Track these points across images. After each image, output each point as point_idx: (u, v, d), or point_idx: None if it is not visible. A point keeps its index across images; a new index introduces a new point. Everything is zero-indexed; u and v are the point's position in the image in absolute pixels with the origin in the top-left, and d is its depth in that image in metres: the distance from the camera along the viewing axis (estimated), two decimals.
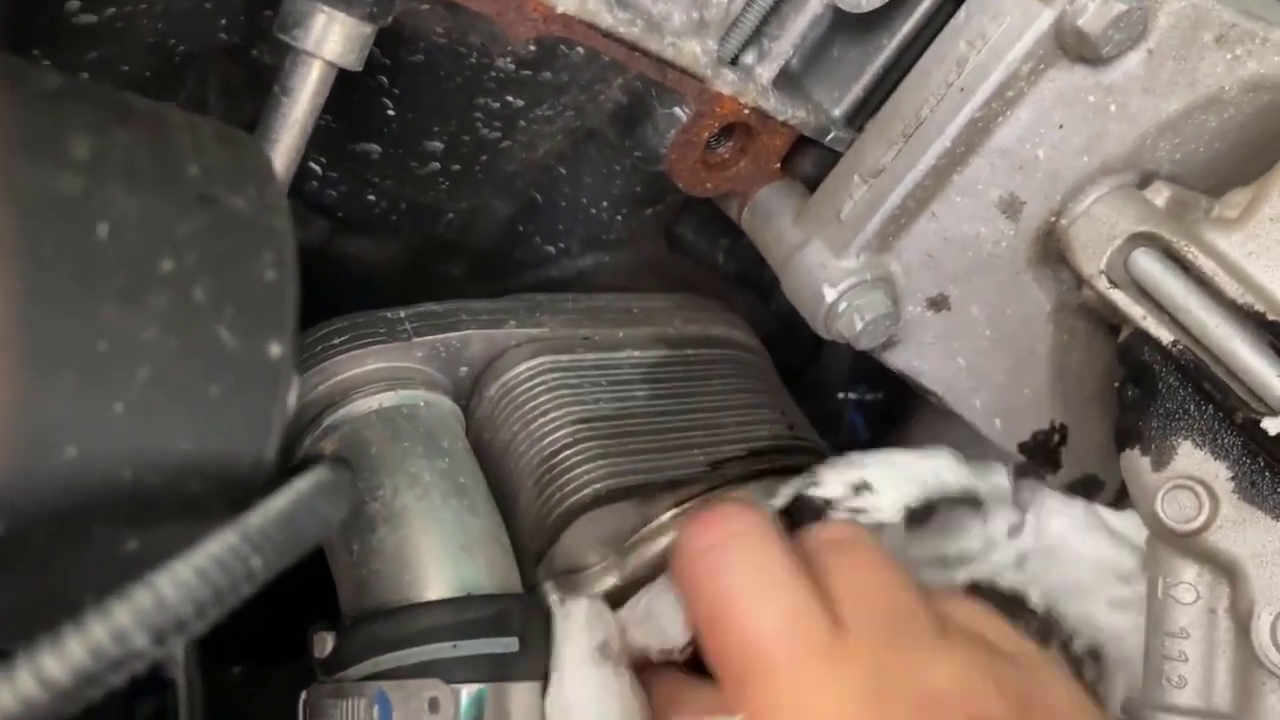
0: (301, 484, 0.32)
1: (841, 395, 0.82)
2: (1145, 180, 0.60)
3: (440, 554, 0.54)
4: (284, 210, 0.34)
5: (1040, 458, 0.68)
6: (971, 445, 0.85)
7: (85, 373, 0.28)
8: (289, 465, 0.53)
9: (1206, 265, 0.56)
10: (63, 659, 0.25)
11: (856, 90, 0.64)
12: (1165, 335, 0.57)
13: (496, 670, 0.51)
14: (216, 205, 0.32)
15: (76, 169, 0.29)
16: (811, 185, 0.64)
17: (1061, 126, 0.58)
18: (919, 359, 0.65)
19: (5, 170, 0.27)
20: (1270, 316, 0.54)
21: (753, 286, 0.80)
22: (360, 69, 0.53)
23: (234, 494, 0.31)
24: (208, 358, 0.31)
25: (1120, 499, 0.76)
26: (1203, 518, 0.56)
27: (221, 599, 0.28)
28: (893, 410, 0.90)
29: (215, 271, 0.31)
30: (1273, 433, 0.53)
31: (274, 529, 0.30)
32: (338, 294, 0.67)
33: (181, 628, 0.27)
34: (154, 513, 0.30)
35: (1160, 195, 0.60)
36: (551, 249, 0.72)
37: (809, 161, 0.66)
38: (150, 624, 0.27)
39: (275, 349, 0.32)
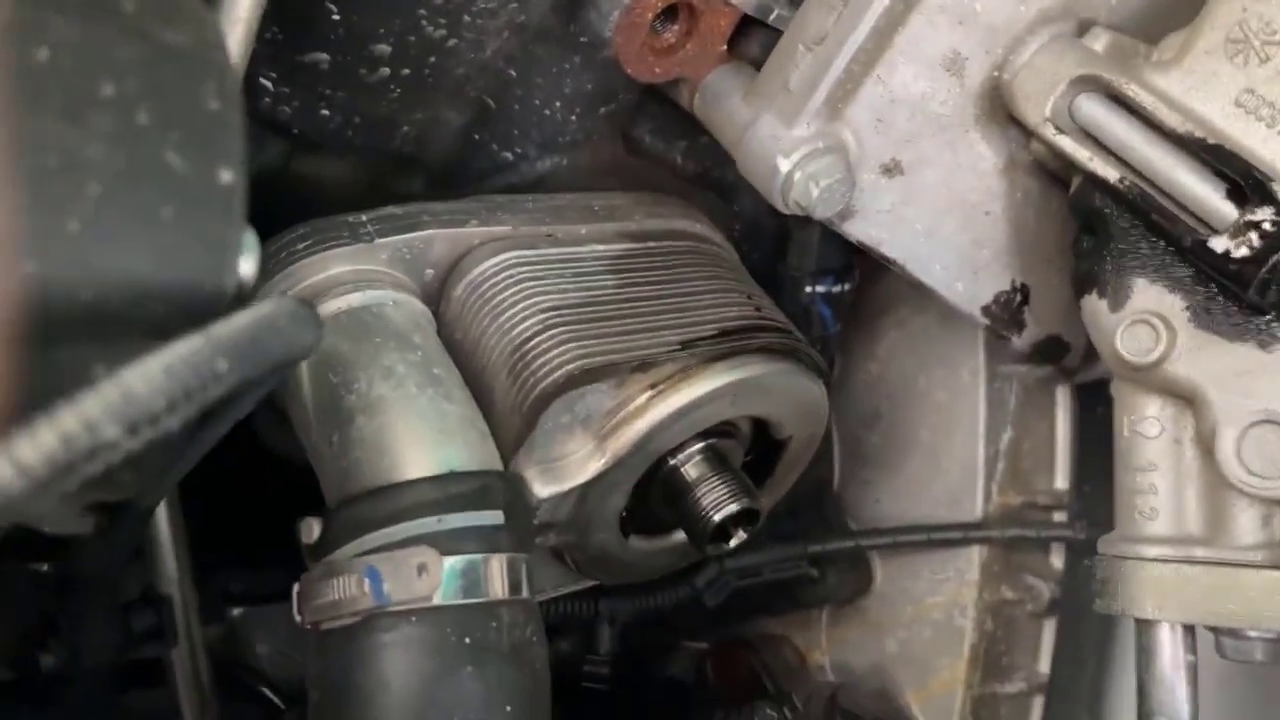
0: (267, 304, 0.33)
1: (809, 289, 0.83)
2: (1083, 28, 0.61)
3: (420, 437, 0.54)
4: (222, 45, 0.34)
5: (1004, 319, 0.70)
6: (940, 326, 0.87)
7: (35, 187, 0.29)
8: None
9: (1148, 101, 0.57)
10: (36, 446, 0.26)
11: None
12: (1112, 174, 0.59)
13: (483, 542, 0.52)
14: (154, 39, 0.32)
15: None
16: (759, 66, 0.65)
17: None
18: (877, 228, 0.66)
19: None
20: (1211, 141, 0.56)
21: (714, 187, 0.80)
22: None
23: (197, 319, 0.31)
24: (157, 180, 0.31)
25: (1087, 362, 0.78)
26: (1160, 349, 0.58)
27: (190, 396, 0.29)
28: (861, 305, 0.91)
29: (157, 98, 0.32)
30: (1219, 250, 0.54)
31: (240, 337, 0.30)
32: (298, 215, 0.67)
33: (152, 421, 0.28)
34: (117, 335, 0.31)
35: (1099, 41, 0.61)
36: (509, 155, 0.73)
37: (755, 42, 0.67)
38: (120, 414, 0.27)
39: (225, 175, 0.33)
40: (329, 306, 0.59)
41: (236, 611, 0.85)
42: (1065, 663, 0.90)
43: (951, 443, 0.88)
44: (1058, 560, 0.89)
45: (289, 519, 0.63)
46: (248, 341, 0.31)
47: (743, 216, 0.84)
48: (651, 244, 0.70)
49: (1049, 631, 0.90)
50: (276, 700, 0.80)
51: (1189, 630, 0.60)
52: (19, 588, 0.48)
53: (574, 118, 0.71)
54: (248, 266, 0.38)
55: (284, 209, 0.67)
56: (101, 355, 0.30)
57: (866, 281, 0.90)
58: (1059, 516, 0.89)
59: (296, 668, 0.81)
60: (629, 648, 0.85)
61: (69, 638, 0.56)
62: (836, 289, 0.84)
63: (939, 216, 0.66)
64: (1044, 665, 0.90)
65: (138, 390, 0.28)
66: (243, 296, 0.37)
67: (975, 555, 0.87)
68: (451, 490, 0.53)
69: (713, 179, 0.81)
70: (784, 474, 0.76)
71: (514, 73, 0.68)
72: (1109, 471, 0.88)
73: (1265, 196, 0.53)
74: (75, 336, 0.30)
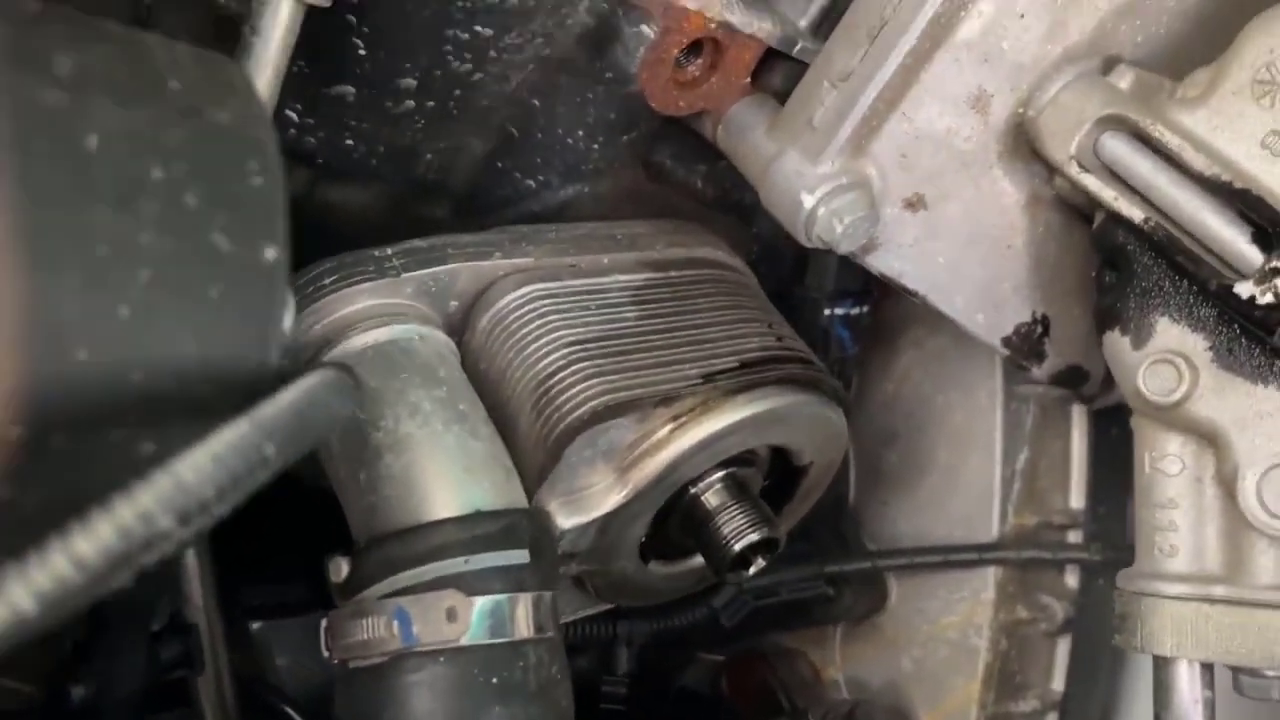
0: (309, 380, 0.33)
1: (827, 311, 0.83)
2: (1109, 65, 0.61)
3: (446, 476, 0.55)
4: (266, 122, 0.35)
5: (1024, 350, 0.70)
6: (957, 347, 0.88)
7: (89, 276, 0.29)
8: None
9: (1173, 142, 0.57)
10: (94, 540, 0.27)
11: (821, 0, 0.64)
12: (1137, 214, 0.59)
13: (509, 581, 0.53)
14: (200, 117, 0.33)
15: (61, 84, 0.30)
16: (782, 98, 0.65)
17: (1023, 16, 0.59)
18: (900, 260, 0.66)
19: None
20: (1237, 185, 0.56)
21: (733, 210, 0.81)
22: (329, 4, 0.53)
23: (241, 396, 0.32)
24: (205, 261, 0.32)
25: (1105, 388, 0.78)
26: (1184, 389, 0.58)
27: (239, 483, 0.29)
28: (878, 325, 0.92)
29: (204, 179, 0.32)
30: (1244, 296, 0.55)
31: (284, 418, 0.31)
32: (323, 243, 0.68)
33: (204, 509, 0.29)
34: (166, 415, 0.31)
35: (1124, 79, 0.61)
36: (531, 183, 0.73)
37: (778, 74, 0.67)
38: (173, 505, 0.28)
39: (270, 252, 0.33)
40: (355, 342, 0.60)
41: (256, 625, 0.86)
42: (1079, 681, 0.91)
43: (968, 463, 0.89)
44: (1073, 580, 0.90)
45: (307, 532, 0.64)
46: (292, 422, 0.31)
47: (761, 239, 0.84)
48: (673, 273, 0.70)
49: (1063, 650, 0.91)
50: (295, 716, 0.81)
51: (1207, 668, 0.60)
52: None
53: (596, 146, 0.71)
54: (286, 320, 0.38)
55: (308, 236, 0.67)
56: (149, 434, 0.31)
57: (884, 301, 0.91)
58: (1074, 536, 0.89)
59: (315, 679, 0.82)
60: (646, 666, 0.86)
61: (100, 668, 0.57)
62: (855, 311, 0.85)
63: (961, 250, 0.66)
64: (1058, 684, 0.91)
65: (189, 481, 0.28)
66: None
67: (991, 575, 0.87)
68: (478, 530, 0.53)
69: (732, 202, 0.82)
70: (802, 500, 0.76)
71: (537, 103, 0.68)
72: (1124, 491, 0.89)
73: None
74: (125, 418, 0.30)
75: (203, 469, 0.28)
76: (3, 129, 0.27)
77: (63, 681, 0.56)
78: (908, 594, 0.91)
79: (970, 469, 0.89)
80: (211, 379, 0.32)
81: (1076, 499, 0.89)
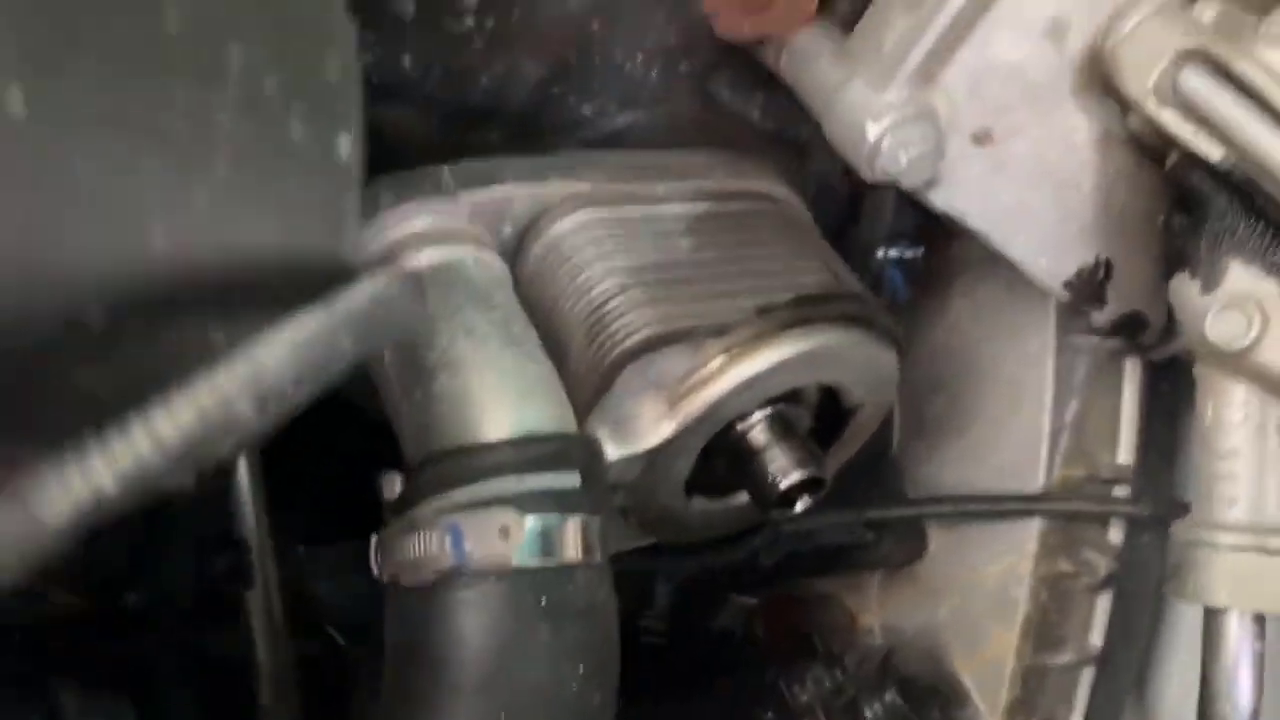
0: (383, 278, 0.33)
1: (881, 253, 0.82)
2: None
3: (500, 397, 0.55)
4: (344, 13, 0.34)
5: (1085, 294, 0.68)
6: (1010, 296, 0.86)
7: (168, 155, 0.29)
8: None
9: (1258, 78, 0.55)
10: (173, 419, 0.26)
11: None
12: (1215, 153, 0.57)
13: (560, 503, 0.53)
14: (281, 4, 0.32)
15: None
16: (850, 27, 0.64)
17: None
18: (963, 197, 0.64)
19: None
20: None
21: (790, 144, 0.79)
22: None
23: (313, 288, 0.31)
24: (282, 150, 0.31)
25: (1163, 339, 0.76)
26: (1253, 334, 0.57)
27: (316, 373, 0.29)
28: (929, 272, 0.90)
29: (283, 68, 0.31)
30: None
31: (362, 312, 0.31)
32: (376, 163, 0.67)
33: (282, 397, 0.28)
34: (238, 305, 0.31)
35: (1207, 12, 0.58)
36: (586, 110, 0.72)
37: (846, 2, 0.65)
38: (252, 390, 0.28)
39: (345, 145, 0.32)
40: (412, 261, 0.59)
41: (300, 549, 0.87)
42: (1117, 637, 0.90)
43: (1017, 414, 0.87)
44: (1116, 535, 0.89)
45: (351, 458, 0.64)
46: (368, 318, 0.31)
47: (817, 176, 0.83)
48: (729, 205, 0.69)
49: (1103, 605, 0.90)
50: (339, 639, 0.82)
51: (1259, 619, 0.59)
52: (109, 528, 0.49)
53: (654, 73, 0.70)
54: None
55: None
56: (221, 324, 0.31)
57: (936, 247, 0.89)
58: (1121, 491, 0.88)
59: (359, 606, 0.83)
60: (682, 604, 0.86)
61: (153, 577, 0.58)
62: (909, 254, 0.83)
63: (1027, 188, 0.64)
64: (1096, 638, 0.90)
65: (268, 366, 0.28)
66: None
67: (1034, 527, 0.86)
68: (531, 452, 0.53)
69: (788, 137, 0.80)
70: (850, 441, 0.76)
71: (596, 26, 0.67)
72: (1173, 449, 0.88)
73: None
74: (199, 304, 0.30)
75: (281, 355, 0.28)
76: (85, 3, 0.27)
77: (117, 589, 0.57)
78: (948, 543, 0.90)
79: (1019, 419, 0.87)
80: (285, 269, 0.32)
81: (1125, 454, 0.88)
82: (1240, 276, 0.57)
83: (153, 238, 0.29)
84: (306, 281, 0.32)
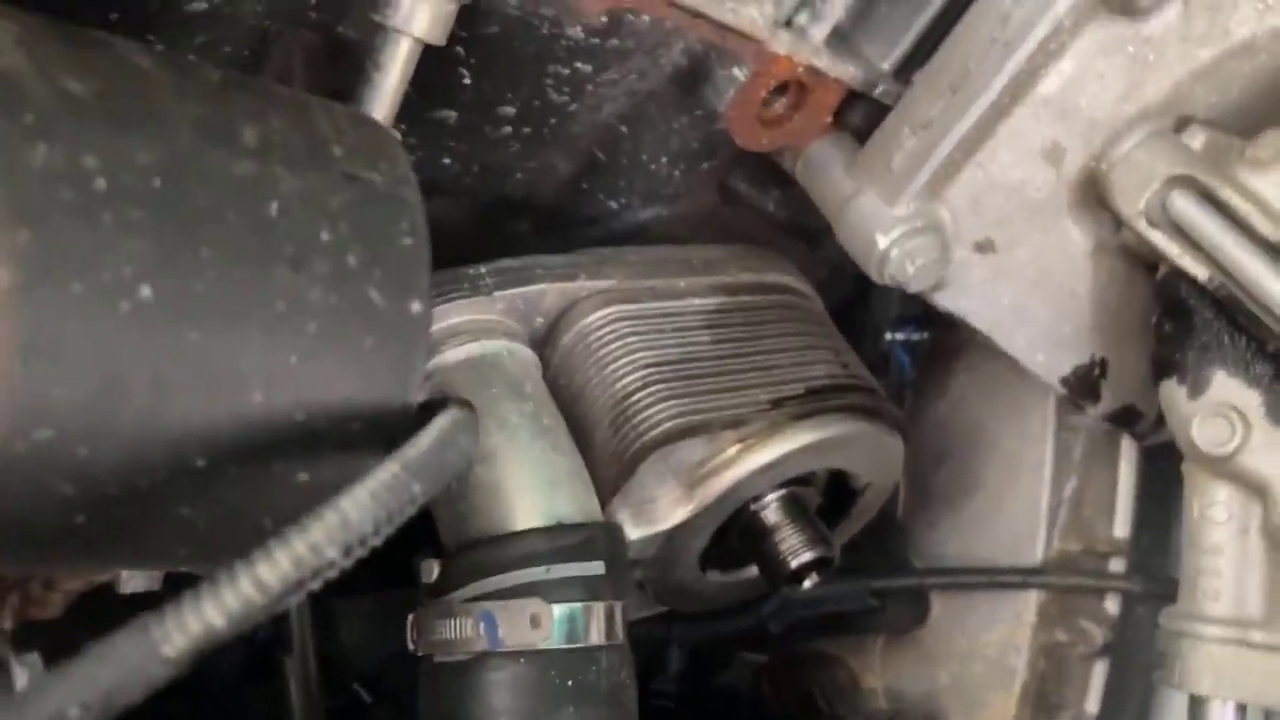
0: (443, 421, 0.37)
1: (889, 336, 0.86)
2: (1182, 124, 0.63)
3: (531, 488, 0.59)
4: (414, 183, 0.38)
5: (1081, 390, 0.72)
6: (1012, 374, 0.90)
7: (267, 328, 0.33)
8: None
9: (1241, 205, 0.59)
10: (274, 568, 0.31)
11: (904, 44, 0.66)
12: (1201, 272, 0.61)
13: (586, 591, 0.57)
14: (359, 181, 0.36)
15: (249, 153, 0.33)
16: (861, 137, 0.68)
17: (1102, 76, 0.61)
18: (966, 299, 0.69)
19: (194, 156, 0.32)
20: None
21: (802, 234, 0.84)
22: (444, 43, 0.57)
23: (385, 433, 0.36)
24: (362, 315, 0.35)
25: (1157, 428, 0.80)
26: (1235, 441, 0.60)
27: (391, 519, 0.33)
28: (935, 347, 0.94)
29: (363, 240, 0.36)
30: None
31: (428, 459, 0.35)
32: None
33: (363, 542, 0.32)
34: (320, 449, 0.35)
35: (1196, 139, 0.63)
36: (613, 204, 0.76)
37: (859, 115, 0.69)
38: (339, 539, 0.32)
39: (415, 306, 0.37)
40: (449, 356, 0.63)
41: (334, 600, 0.90)
42: (1112, 704, 0.93)
43: (1017, 487, 0.91)
44: (1113, 606, 0.92)
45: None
46: (435, 462, 0.35)
47: (828, 262, 0.87)
48: (745, 298, 0.74)
49: (1099, 672, 0.93)
50: (364, 694, 0.86)
51: (1241, 709, 0.63)
52: None
53: (678, 172, 0.75)
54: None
55: None
56: (305, 465, 0.35)
57: (940, 325, 0.93)
58: (1117, 564, 0.91)
59: (379, 656, 0.87)
60: (693, 666, 0.90)
61: None
62: (915, 337, 0.88)
63: (1026, 293, 0.68)
64: (1092, 705, 0.93)
65: (353, 518, 0.32)
66: None
67: (1033, 598, 0.90)
68: (560, 542, 0.57)
69: (801, 226, 0.85)
70: (857, 519, 0.80)
71: (625, 130, 0.72)
72: (1168, 523, 0.91)
73: None
74: (287, 451, 0.34)
75: (364, 506, 0.32)
76: (201, 202, 0.31)
77: None
78: (950, 610, 0.94)
79: (1018, 493, 0.91)
80: (361, 418, 0.36)
81: (1121, 528, 0.92)
82: (1224, 386, 0.61)
83: (251, 397, 0.33)
84: (380, 426, 0.36)
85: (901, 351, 0.87)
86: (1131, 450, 0.91)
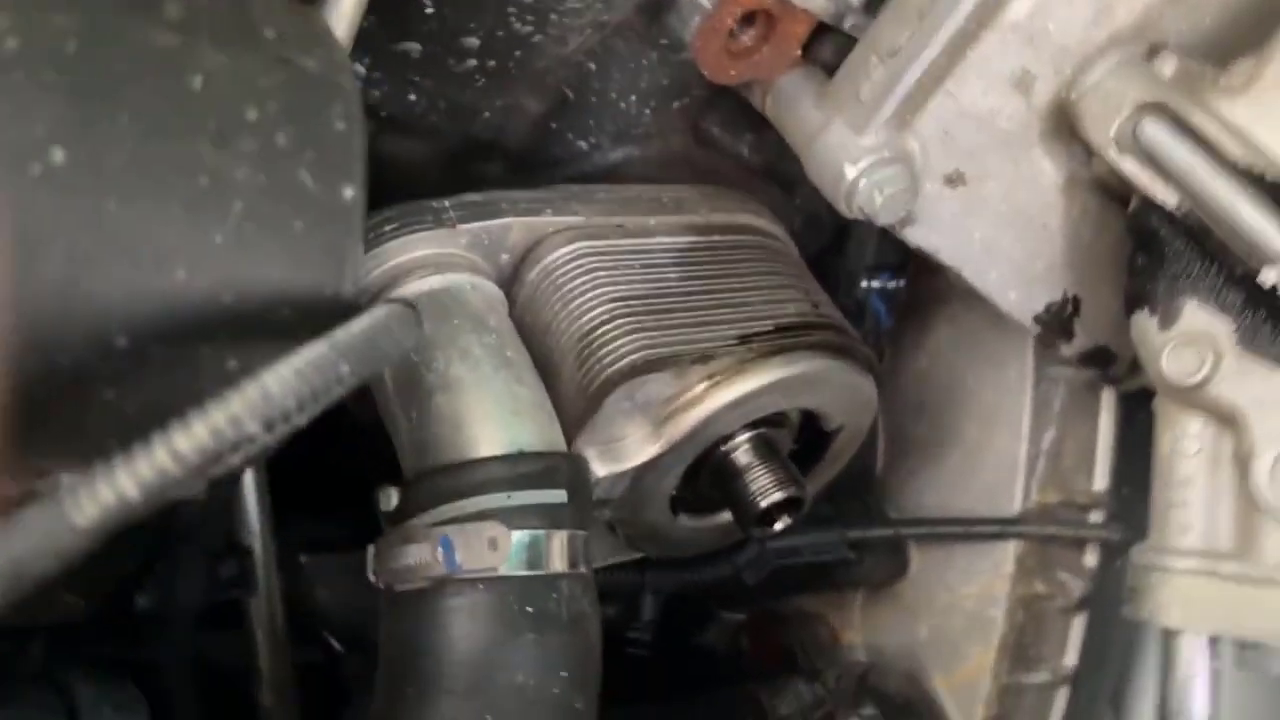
0: (379, 310, 0.36)
1: (864, 284, 0.85)
2: (1153, 51, 0.63)
3: (493, 417, 0.58)
4: (349, 69, 0.38)
5: (1054, 328, 0.72)
6: (990, 325, 0.89)
7: (190, 205, 0.32)
8: None
9: (1211, 131, 0.59)
10: (190, 437, 0.30)
11: None
12: (1172, 199, 0.60)
13: (547, 518, 0.56)
14: (291, 64, 0.36)
15: (171, 26, 0.33)
16: (831, 71, 0.67)
17: (1071, 1, 0.60)
18: (936, 235, 0.68)
19: (113, 23, 0.31)
20: (1270, 177, 0.57)
21: (777, 179, 0.83)
22: None
23: (317, 321, 0.35)
24: (292, 197, 0.35)
25: (1133, 371, 0.80)
26: (1205, 370, 0.60)
27: (317, 397, 0.33)
28: (914, 300, 0.93)
29: (294, 121, 0.35)
30: (1269, 283, 0.56)
31: (358, 342, 0.34)
32: (381, 192, 0.71)
33: (286, 418, 0.32)
34: (250, 334, 0.35)
35: (1168, 65, 0.62)
36: (583, 144, 0.75)
37: (828, 47, 0.69)
38: (260, 413, 0.31)
39: (349, 191, 0.36)
40: (413, 288, 0.63)
41: (304, 558, 0.90)
42: (1091, 657, 0.93)
43: (995, 439, 0.91)
44: (1091, 558, 0.92)
45: (355, 471, 0.67)
46: (365, 346, 0.34)
47: (803, 209, 0.86)
48: (716, 238, 0.73)
49: (1078, 626, 0.93)
50: (337, 645, 0.85)
51: (1213, 641, 0.62)
52: (124, 535, 0.53)
53: (648, 111, 0.74)
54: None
55: (370, 183, 0.70)
56: (235, 351, 0.34)
57: (920, 277, 0.93)
58: (1095, 516, 0.91)
59: (356, 614, 0.86)
60: (670, 616, 0.90)
61: (163, 581, 0.61)
62: (891, 285, 0.87)
63: (998, 228, 0.68)
64: (1071, 658, 0.93)
65: (274, 392, 0.31)
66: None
67: (1011, 549, 0.89)
68: (521, 469, 0.56)
69: (776, 172, 0.84)
70: (830, 463, 0.79)
71: (593, 66, 0.71)
72: (1147, 476, 0.91)
73: None
74: (215, 335, 0.34)
75: (286, 381, 0.32)
76: (119, 68, 0.31)
77: (128, 593, 0.61)
78: (928, 563, 0.93)
79: (997, 445, 0.90)
80: (292, 304, 0.35)
81: (1100, 480, 0.91)
82: (1195, 315, 0.61)
83: (174, 275, 0.32)
84: (312, 315, 0.35)
85: (878, 299, 0.86)
86: (1112, 402, 0.90)
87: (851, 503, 0.94)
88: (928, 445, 0.94)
